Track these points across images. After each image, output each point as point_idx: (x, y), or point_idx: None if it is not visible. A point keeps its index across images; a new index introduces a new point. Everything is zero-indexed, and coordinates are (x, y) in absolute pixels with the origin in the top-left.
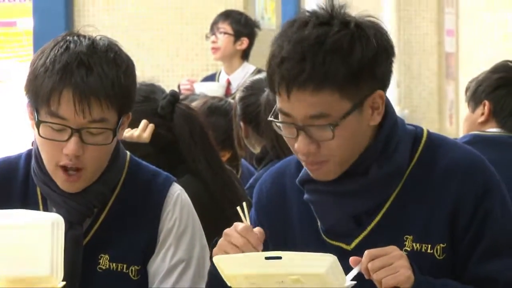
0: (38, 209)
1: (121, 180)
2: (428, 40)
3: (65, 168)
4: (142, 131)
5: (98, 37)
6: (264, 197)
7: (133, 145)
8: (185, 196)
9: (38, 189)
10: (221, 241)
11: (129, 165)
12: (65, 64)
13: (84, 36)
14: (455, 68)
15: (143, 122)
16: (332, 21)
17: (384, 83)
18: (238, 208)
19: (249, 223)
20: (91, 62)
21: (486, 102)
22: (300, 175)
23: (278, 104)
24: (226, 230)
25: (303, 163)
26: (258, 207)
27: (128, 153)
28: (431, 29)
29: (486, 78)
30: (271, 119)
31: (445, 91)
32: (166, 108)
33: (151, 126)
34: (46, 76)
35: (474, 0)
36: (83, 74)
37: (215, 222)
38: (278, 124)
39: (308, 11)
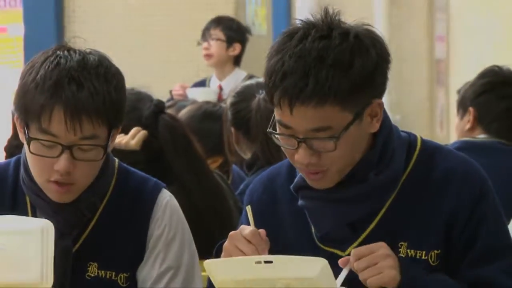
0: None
1: (110, 188)
2: (418, 46)
3: (56, 182)
4: (131, 139)
5: (88, 51)
6: (255, 203)
7: (121, 153)
8: (174, 202)
9: (27, 198)
10: (227, 244)
11: (118, 172)
12: (56, 81)
13: (75, 51)
14: (446, 74)
15: (134, 129)
16: (331, 33)
17: (382, 91)
18: (248, 208)
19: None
20: (81, 78)
21: (471, 109)
22: (295, 181)
23: (278, 116)
24: (232, 233)
25: (301, 172)
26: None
27: (117, 160)
28: (422, 35)
29: (472, 84)
30: (270, 130)
31: (436, 98)
32: (150, 118)
33: (141, 134)
34: (37, 92)
35: (465, 6)
36: (74, 90)
37: (194, 233)
38: (277, 136)
39: (304, 22)
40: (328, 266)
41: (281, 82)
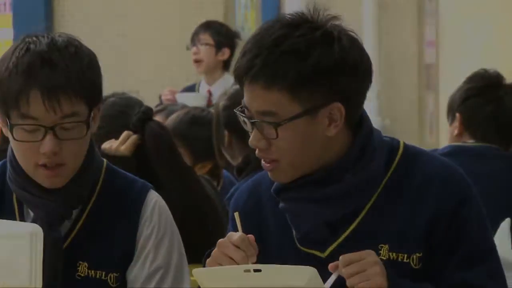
0: (14, 215)
1: (98, 187)
2: (408, 51)
3: (45, 166)
4: (121, 144)
5: (57, 34)
6: (240, 209)
7: (112, 158)
8: (163, 203)
9: (13, 197)
10: (215, 252)
11: (105, 171)
12: (28, 65)
13: (43, 35)
14: (435, 79)
15: (124, 134)
16: (302, 24)
17: (345, 98)
18: (235, 214)
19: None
20: (53, 59)
21: (457, 115)
22: (275, 184)
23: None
24: (220, 241)
25: (263, 166)
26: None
27: (105, 160)
28: (411, 40)
29: (458, 89)
30: (236, 110)
31: (425, 102)
32: (137, 125)
33: (131, 139)
34: (12, 79)
35: (455, 11)
36: (47, 72)
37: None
38: (242, 118)
39: (292, 14)
40: (317, 275)
41: (239, 61)
